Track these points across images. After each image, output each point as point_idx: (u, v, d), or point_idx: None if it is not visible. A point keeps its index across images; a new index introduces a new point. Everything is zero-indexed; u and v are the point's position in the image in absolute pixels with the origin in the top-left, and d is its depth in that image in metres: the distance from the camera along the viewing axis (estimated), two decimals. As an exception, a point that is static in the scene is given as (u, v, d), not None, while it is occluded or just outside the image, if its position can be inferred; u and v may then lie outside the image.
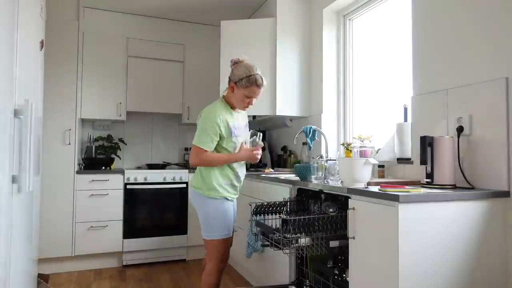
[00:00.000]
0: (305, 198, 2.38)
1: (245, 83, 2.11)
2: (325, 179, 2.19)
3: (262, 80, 2.14)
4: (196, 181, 2.22)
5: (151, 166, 4.05)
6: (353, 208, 1.78)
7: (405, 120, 2.35)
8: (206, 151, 2.11)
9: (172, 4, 3.91)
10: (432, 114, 2.10)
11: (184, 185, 3.86)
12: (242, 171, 2.29)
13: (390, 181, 2.04)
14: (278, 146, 3.98)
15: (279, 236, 1.91)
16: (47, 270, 3.42)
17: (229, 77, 2.20)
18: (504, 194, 1.69)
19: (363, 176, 1.86)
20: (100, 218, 3.59)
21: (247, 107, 2.21)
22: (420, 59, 2.20)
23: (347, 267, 1.86)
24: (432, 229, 1.56)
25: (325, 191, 2.09)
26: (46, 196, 3.38)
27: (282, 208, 2.31)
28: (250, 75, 2.11)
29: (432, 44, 2.12)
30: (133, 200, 3.71)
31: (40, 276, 3.01)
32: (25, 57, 1.90)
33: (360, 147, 2.21)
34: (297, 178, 2.47)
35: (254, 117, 3.83)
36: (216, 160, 2.16)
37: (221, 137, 2.14)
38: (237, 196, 2.32)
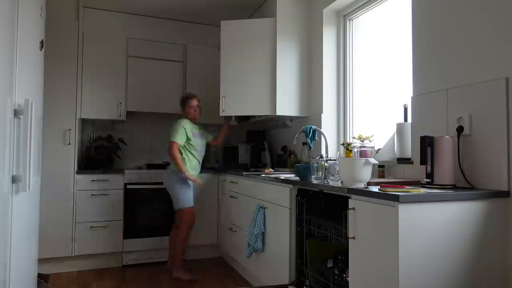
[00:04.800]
0: (305, 200, 2.37)
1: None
2: (325, 179, 2.19)
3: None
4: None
5: (151, 166, 4.04)
6: (353, 208, 1.78)
7: (405, 120, 2.35)
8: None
9: (172, 4, 3.91)
10: (432, 114, 2.10)
11: (184, 185, 3.85)
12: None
13: (390, 181, 2.04)
14: (278, 146, 3.98)
15: None
16: (47, 270, 3.42)
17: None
18: (504, 194, 1.69)
19: (363, 176, 1.86)
20: (100, 218, 3.59)
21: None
22: (420, 59, 2.20)
23: (347, 267, 1.86)
24: (432, 229, 1.56)
25: (325, 191, 2.09)
26: (46, 196, 3.38)
27: None
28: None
29: (432, 44, 2.12)
30: (133, 200, 3.71)
31: (40, 276, 3.00)
32: (25, 57, 1.90)
33: (360, 147, 2.21)
34: (297, 178, 2.47)
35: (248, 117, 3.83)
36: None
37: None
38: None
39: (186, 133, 3.35)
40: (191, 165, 3.41)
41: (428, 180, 1.86)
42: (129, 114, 4.11)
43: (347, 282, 1.89)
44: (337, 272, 2.06)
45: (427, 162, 1.85)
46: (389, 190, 1.61)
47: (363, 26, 3.10)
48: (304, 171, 2.35)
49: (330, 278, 2.14)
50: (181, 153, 3.35)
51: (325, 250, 2.29)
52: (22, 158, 1.72)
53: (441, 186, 1.81)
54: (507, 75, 1.71)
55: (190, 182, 3.38)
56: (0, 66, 1.47)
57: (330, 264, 2.13)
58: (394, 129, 2.39)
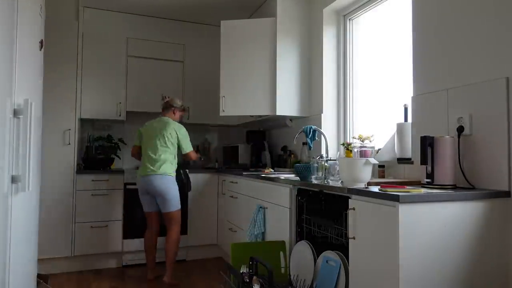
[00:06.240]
0: (305, 199, 2.37)
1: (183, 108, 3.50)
2: (325, 179, 2.19)
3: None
4: (170, 169, 3.23)
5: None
6: (353, 208, 1.78)
7: (405, 120, 2.35)
8: None
9: (172, 4, 3.91)
10: (432, 114, 2.09)
11: (184, 185, 3.85)
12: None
13: (390, 181, 2.04)
14: (278, 146, 3.98)
15: None
16: (47, 270, 3.42)
17: (170, 105, 3.38)
18: (504, 194, 1.69)
19: (363, 176, 1.86)
20: (100, 218, 3.59)
21: None
22: (420, 58, 2.20)
23: (256, 274, 1.83)
24: (432, 229, 1.56)
25: (325, 191, 2.09)
26: (46, 196, 3.38)
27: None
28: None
29: (432, 44, 2.12)
30: (133, 200, 3.71)
31: (40, 276, 3.00)
32: (24, 57, 1.89)
33: (360, 147, 2.21)
34: (297, 178, 2.47)
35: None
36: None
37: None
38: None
39: None
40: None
41: (428, 180, 1.86)
42: (129, 114, 4.11)
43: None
44: (246, 279, 1.95)
45: (427, 162, 1.85)
46: (389, 190, 1.61)
47: (363, 26, 3.10)
48: (304, 171, 2.35)
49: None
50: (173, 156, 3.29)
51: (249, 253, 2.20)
52: (22, 158, 1.72)
53: (442, 186, 1.81)
54: (508, 75, 1.71)
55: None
56: (0, 66, 1.47)
57: (243, 270, 2.00)
58: (394, 129, 2.39)
